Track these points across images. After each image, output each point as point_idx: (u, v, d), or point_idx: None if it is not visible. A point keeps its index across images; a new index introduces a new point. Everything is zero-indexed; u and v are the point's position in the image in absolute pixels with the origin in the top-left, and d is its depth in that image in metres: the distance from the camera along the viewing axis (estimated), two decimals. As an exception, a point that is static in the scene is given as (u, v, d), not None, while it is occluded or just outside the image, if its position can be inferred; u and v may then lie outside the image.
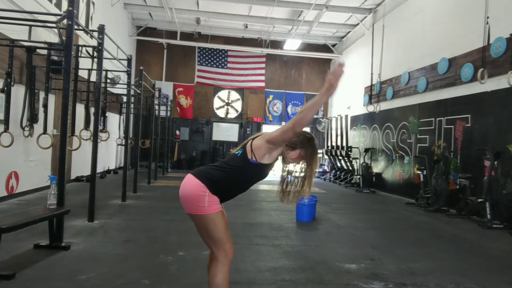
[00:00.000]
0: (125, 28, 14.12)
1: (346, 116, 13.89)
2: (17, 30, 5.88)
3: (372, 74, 12.28)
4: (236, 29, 15.65)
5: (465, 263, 4.20)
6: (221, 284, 2.28)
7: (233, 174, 2.32)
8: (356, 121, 13.66)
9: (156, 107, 11.83)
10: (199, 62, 16.38)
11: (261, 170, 2.35)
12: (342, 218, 6.65)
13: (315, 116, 16.86)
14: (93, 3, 10.19)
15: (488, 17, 7.15)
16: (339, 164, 14.02)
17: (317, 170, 2.49)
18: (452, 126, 8.12)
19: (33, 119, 6.32)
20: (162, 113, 13.04)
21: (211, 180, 2.28)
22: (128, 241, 4.42)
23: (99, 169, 10.85)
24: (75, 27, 4.33)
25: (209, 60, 16.42)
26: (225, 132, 16.72)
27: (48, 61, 6.17)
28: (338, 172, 13.95)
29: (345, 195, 10.20)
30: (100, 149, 5.95)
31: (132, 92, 7.70)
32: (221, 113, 16.89)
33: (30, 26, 5.47)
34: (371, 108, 12.10)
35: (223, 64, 16.48)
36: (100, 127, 7.58)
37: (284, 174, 2.47)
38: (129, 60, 7.27)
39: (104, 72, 8.09)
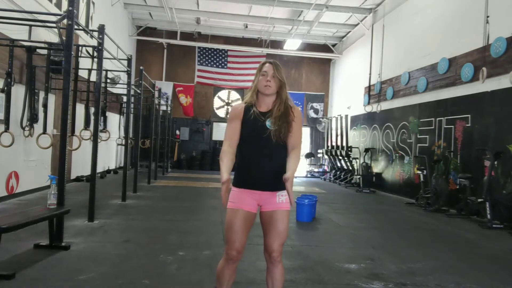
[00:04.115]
0: (125, 28, 14.12)
1: (346, 116, 13.89)
2: (17, 30, 5.87)
3: (371, 74, 12.28)
4: (236, 29, 15.65)
5: (465, 263, 4.20)
6: (217, 271, 2.42)
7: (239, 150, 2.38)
8: (356, 121, 13.65)
9: (156, 106, 11.82)
10: (199, 62, 16.36)
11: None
12: (342, 218, 6.65)
13: (315, 116, 16.88)
14: (93, 3, 10.19)
15: (488, 17, 7.14)
16: (339, 164, 14.02)
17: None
18: (452, 126, 8.12)
19: (33, 119, 6.31)
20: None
21: (233, 170, 2.33)
22: (128, 241, 4.42)
23: (99, 169, 10.84)
24: (75, 27, 4.33)
25: (209, 60, 16.40)
26: (225, 132, 16.69)
27: (48, 61, 6.16)
28: (338, 172, 13.95)
29: (345, 195, 10.20)
30: (100, 149, 5.95)
31: (132, 92, 7.70)
32: (221, 113, 16.88)
33: (30, 26, 5.48)
34: (371, 108, 12.10)
35: (223, 64, 16.46)
36: (100, 127, 7.57)
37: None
38: (129, 60, 7.27)
39: (104, 72, 8.09)
